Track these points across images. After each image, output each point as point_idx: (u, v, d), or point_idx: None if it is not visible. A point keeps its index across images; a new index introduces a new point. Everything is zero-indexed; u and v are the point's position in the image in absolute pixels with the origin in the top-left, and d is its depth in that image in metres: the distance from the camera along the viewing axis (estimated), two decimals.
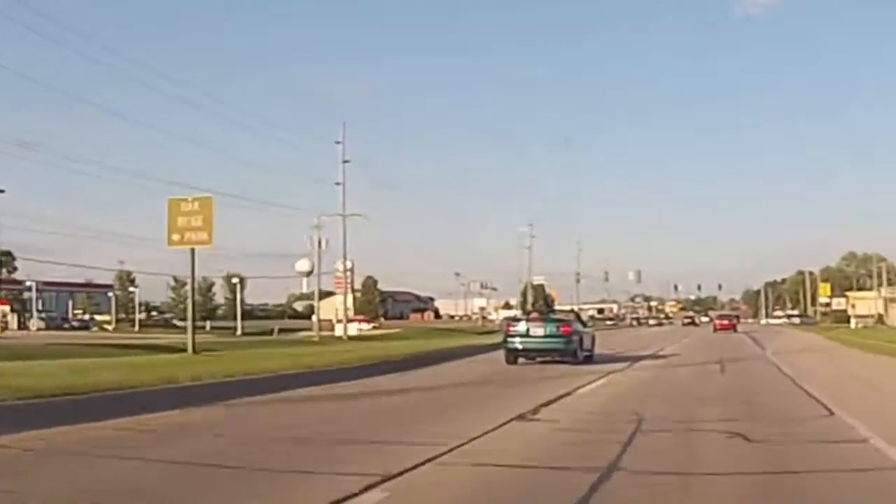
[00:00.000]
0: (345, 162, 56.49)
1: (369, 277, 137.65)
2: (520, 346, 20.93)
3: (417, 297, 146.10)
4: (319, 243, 55.27)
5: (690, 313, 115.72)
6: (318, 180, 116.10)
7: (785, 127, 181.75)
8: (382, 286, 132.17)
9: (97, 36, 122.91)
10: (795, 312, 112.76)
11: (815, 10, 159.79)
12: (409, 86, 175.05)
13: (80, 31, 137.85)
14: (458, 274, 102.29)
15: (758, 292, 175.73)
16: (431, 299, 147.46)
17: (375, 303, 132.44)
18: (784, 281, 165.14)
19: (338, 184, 56.51)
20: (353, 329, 63.53)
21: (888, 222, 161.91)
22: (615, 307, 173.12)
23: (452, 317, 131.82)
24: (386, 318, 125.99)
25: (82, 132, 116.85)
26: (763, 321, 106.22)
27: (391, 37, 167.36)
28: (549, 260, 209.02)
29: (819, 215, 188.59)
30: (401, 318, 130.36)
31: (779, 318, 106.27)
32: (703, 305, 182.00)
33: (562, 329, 20.87)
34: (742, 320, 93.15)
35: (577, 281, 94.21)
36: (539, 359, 21.12)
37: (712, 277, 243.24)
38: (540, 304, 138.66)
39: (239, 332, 59.45)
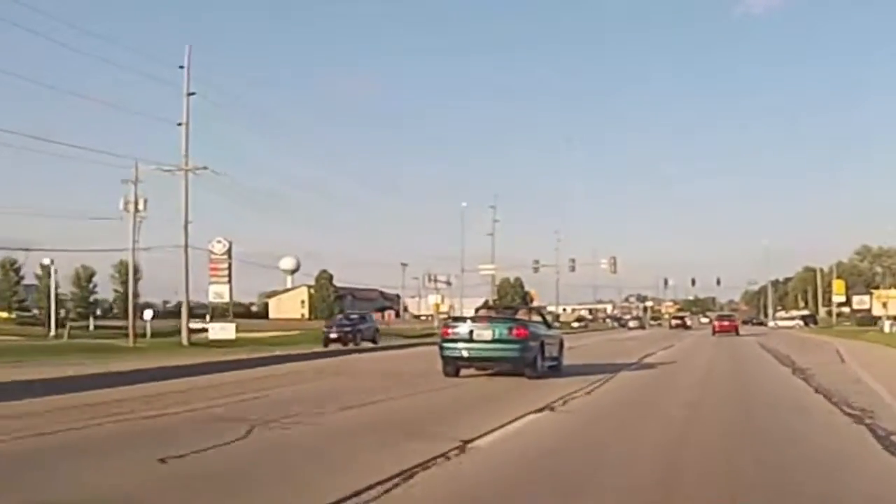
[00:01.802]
0: (189, 94, 39.12)
1: (324, 271, 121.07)
2: (463, 354, 15.45)
3: (383, 295, 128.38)
4: (136, 206, 37.16)
5: (681, 313, 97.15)
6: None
7: (786, 123, 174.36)
8: (345, 282, 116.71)
9: None
10: (806, 312, 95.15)
11: (816, 8, 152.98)
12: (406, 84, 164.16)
13: None
14: (404, 265, 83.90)
15: (758, 291, 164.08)
16: (398, 297, 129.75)
17: (330, 300, 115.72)
18: (787, 280, 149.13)
19: (180, 124, 39.15)
20: (230, 332, 45.61)
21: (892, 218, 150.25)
22: (609, 307, 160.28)
23: (418, 316, 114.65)
24: None
25: None
26: (771, 323, 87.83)
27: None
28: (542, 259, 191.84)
29: (819, 213, 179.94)
30: None
31: (790, 318, 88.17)
32: (702, 306, 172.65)
33: (515, 332, 15.29)
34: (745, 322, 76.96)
35: (536, 270, 75.72)
36: (487, 370, 15.95)
37: (709, 277, 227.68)
38: (517, 302, 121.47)
39: (52, 332, 42.39)
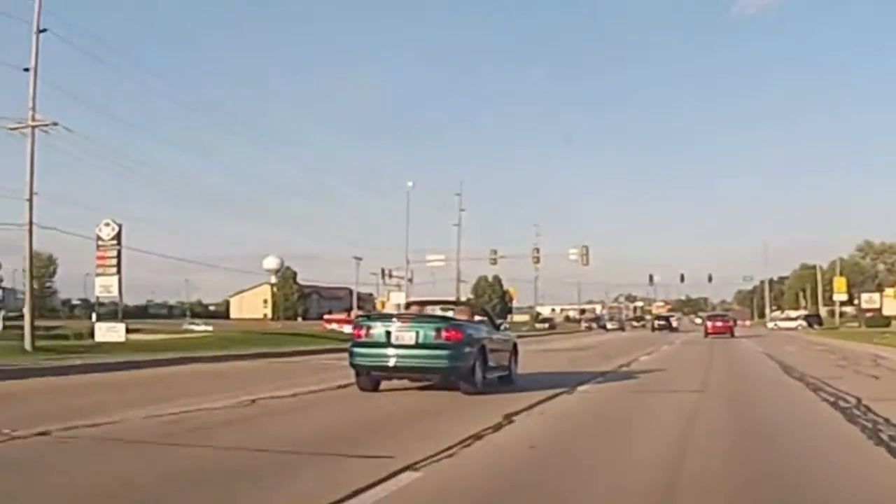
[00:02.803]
0: (40, 32, 29.15)
1: (287, 268, 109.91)
2: (378, 362, 11.94)
3: (353, 294, 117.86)
4: None
5: (666, 313, 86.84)
6: None
7: (780, 121, 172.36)
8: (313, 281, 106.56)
9: None
10: (808, 312, 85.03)
11: (809, 9, 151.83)
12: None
13: None
14: (358, 259, 72.56)
15: (752, 291, 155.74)
16: (370, 296, 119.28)
17: (293, 299, 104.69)
18: (782, 280, 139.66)
19: (27, 69, 29.32)
20: (119, 333, 35.20)
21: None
22: (599, 308, 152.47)
23: None
24: (304, 319, 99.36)
25: None
26: (770, 324, 77.49)
27: None
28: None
29: (813, 212, 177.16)
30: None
31: (791, 319, 77.80)
32: (694, 306, 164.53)
33: (445, 334, 11.80)
34: (739, 323, 66.90)
35: (494, 262, 63.98)
36: (415, 382, 12.56)
37: (702, 276, 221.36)
38: (494, 302, 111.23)
39: None
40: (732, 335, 47.28)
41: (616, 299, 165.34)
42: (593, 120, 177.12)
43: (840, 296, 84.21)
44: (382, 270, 66.95)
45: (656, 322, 70.23)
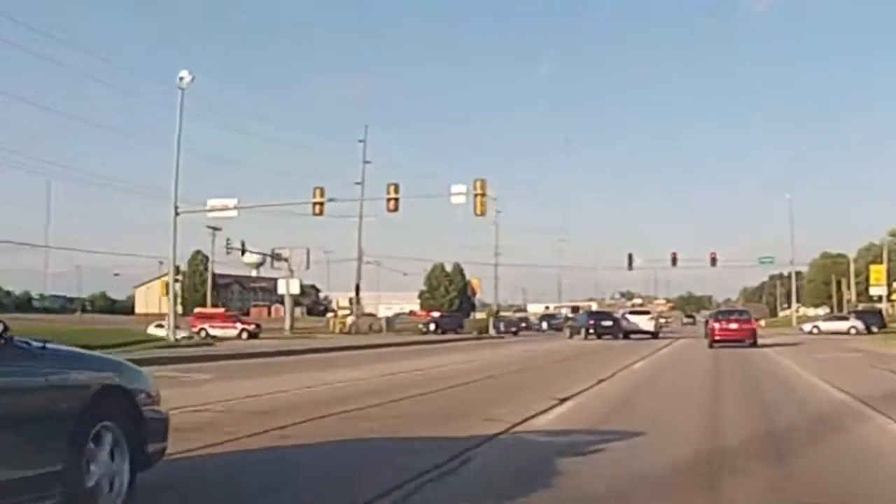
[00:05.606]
0: None
1: (198, 252, 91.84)
2: None
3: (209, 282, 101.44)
4: None
5: (607, 310, 64.87)
6: None
7: (786, 120, 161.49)
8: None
9: None
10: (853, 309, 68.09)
11: (819, 7, 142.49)
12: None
13: None
14: (214, 229, 54.47)
15: (760, 287, 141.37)
16: (315, 288, 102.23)
17: (204, 289, 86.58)
18: (796, 274, 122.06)
19: None
20: None
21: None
22: (594, 306, 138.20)
23: (328, 312, 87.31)
24: None
25: None
26: (806, 326, 58.28)
27: None
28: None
29: (824, 206, 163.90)
30: (248, 313, 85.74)
31: (839, 318, 59.07)
32: (697, 304, 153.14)
33: None
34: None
35: (319, 212, 43.42)
36: None
37: (708, 282, 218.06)
38: (452, 296, 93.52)
39: None
40: (755, 344, 29.79)
41: (612, 296, 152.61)
42: (593, 118, 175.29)
43: (879, 288, 67.20)
44: (230, 245, 48.58)
45: (593, 325, 41.05)
